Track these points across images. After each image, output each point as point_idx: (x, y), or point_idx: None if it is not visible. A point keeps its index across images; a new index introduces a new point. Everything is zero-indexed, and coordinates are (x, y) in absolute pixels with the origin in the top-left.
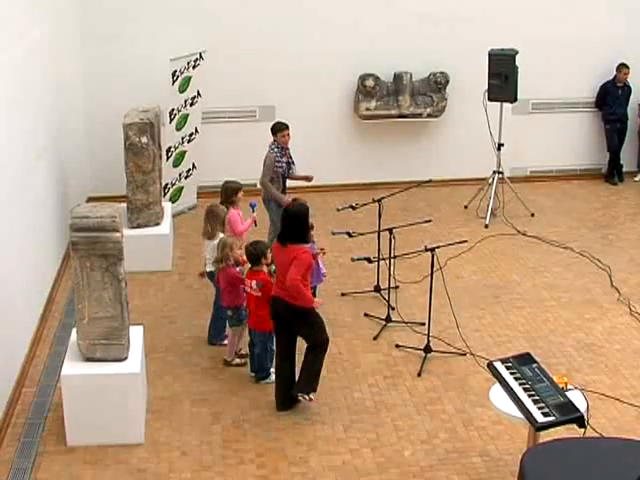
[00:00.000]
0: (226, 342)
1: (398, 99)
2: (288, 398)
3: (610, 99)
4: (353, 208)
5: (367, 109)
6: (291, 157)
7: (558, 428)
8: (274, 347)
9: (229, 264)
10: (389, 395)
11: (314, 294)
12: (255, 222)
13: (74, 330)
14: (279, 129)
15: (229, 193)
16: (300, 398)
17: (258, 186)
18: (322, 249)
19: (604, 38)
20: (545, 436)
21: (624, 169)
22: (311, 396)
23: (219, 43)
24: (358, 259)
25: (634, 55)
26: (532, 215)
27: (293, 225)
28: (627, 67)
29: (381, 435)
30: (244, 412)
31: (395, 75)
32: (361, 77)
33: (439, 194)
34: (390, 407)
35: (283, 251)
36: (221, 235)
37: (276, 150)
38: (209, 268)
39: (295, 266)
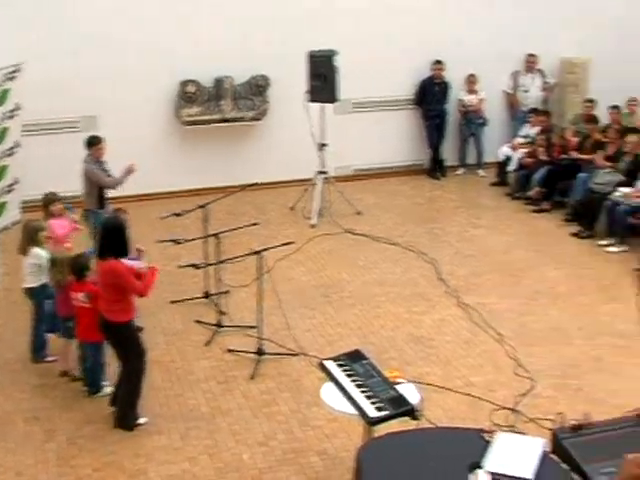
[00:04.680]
0: (51, 358)
1: (220, 104)
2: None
3: (429, 96)
4: (178, 215)
5: (189, 115)
6: (106, 170)
7: (395, 422)
8: (105, 359)
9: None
10: (224, 400)
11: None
12: (77, 225)
13: None
14: (94, 142)
15: (45, 204)
16: None
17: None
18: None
19: (421, 36)
20: (381, 431)
21: (446, 164)
22: (139, 422)
23: (38, 54)
24: (185, 266)
25: (450, 52)
26: (358, 213)
27: (110, 238)
28: (440, 62)
29: (218, 441)
30: (79, 427)
31: (216, 80)
32: (182, 83)
33: (266, 197)
34: (226, 412)
35: (102, 265)
36: (37, 250)
37: (93, 165)
38: (27, 284)
39: (128, 286)
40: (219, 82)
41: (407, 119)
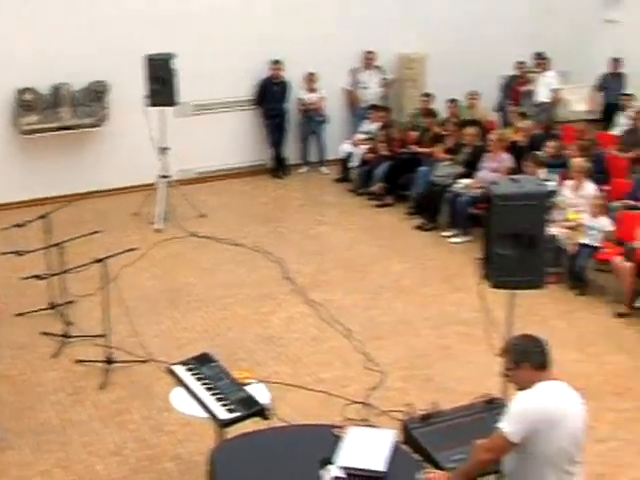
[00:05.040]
0: None
1: (58, 111)
2: None
3: (268, 96)
4: (19, 226)
5: (28, 124)
6: None
7: (247, 422)
8: None
9: None
10: (75, 411)
11: None
12: None
13: None
14: None
15: None
16: None
17: None
18: None
19: (258, 36)
20: (234, 432)
21: (288, 163)
22: None
23: None
24: (28, 277)
25: (288, 51)
26: (203, 216)
27: None
28: (278, 62)
29: (70, 453)
30: None
31: (53, 87)
32: (19, 91)
33: (109, 203)
34: (77, 423)
35: None
36: None
37: None
38: None
39: None
40: (56, 89)
41: (248, 119)
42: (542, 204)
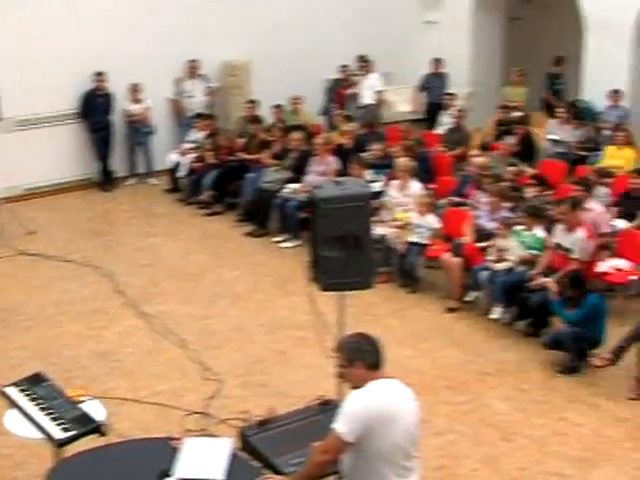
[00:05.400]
0: None
1: None
2: None
3: (93, 108)
4: None
5: None
6: None
7: (85, 440)
8: None
9: None
10: None
11: None
12: None
13: None
14: None
15: None
16: None
17: None
18: None
19: (81, 48)
20: (72, 451)
21: (116, 175)
22: None
23: None
24: None
25: (111, 62)
26: (32, 233)
27: None
28: (101, 74)
29: None
30: None
31: None
32: None
33: None
34: None
35: None
36: None
37: None
38: None
39: None
40: None
41: (73, 133)
42: (366, 205)
